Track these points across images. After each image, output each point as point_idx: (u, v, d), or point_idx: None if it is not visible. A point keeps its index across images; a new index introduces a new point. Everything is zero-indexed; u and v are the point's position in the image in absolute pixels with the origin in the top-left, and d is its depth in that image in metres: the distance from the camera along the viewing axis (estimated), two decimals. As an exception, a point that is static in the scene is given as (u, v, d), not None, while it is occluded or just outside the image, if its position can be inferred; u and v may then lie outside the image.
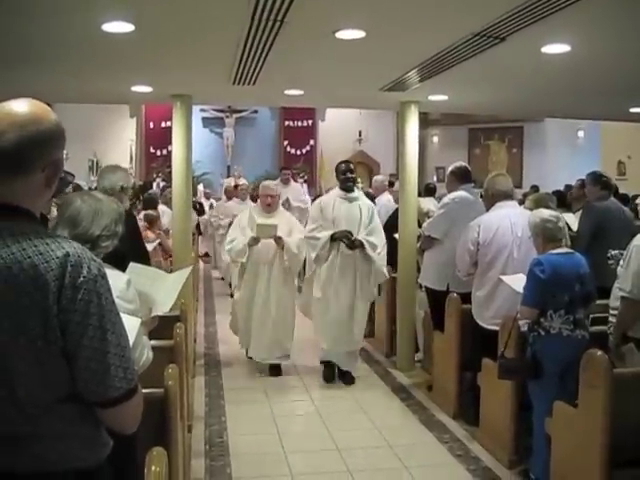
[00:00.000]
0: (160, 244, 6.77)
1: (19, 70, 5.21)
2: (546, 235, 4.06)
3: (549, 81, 5.68)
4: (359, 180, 10.47)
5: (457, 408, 5.29)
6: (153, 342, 2.70)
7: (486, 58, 4.63)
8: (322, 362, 6.26)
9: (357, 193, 6.26)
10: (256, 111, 18.17)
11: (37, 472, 1.59)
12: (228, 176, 16.55)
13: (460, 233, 5.18)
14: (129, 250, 2.93)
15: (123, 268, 2.85)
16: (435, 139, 18.92)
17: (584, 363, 3.51)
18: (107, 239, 2.63)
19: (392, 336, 7.01)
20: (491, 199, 5.08)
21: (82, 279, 1.56)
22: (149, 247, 5.40)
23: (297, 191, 11.29)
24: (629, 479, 3.41)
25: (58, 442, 1.61)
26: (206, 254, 13.10)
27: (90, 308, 1.57)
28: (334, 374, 6.19)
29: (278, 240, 6.12)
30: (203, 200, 14.55)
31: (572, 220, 6.26)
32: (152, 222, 6.93)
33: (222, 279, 11.28)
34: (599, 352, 3.47)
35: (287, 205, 9.67)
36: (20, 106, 1.60)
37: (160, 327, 3.13)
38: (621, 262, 4.05)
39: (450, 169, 5.93)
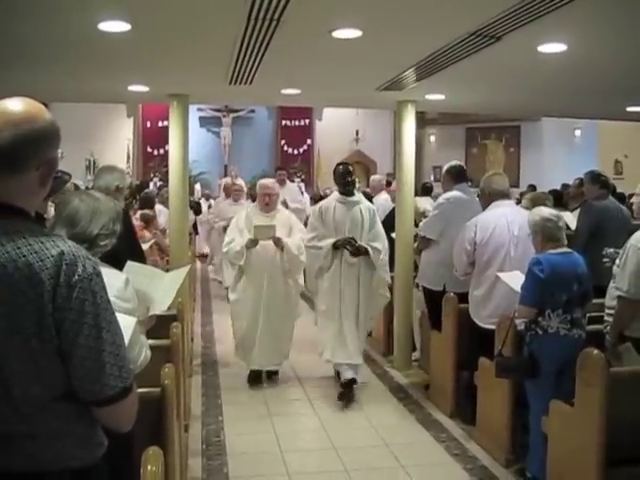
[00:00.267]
0: (156, 243, 6.76)
1: (15, 69, 5.20)
2: (545, 234, 4.06)
3: (546, 80, 5.69)
4: (357, 180, 10.43)
5: (454, 407, 5.29)
6: (150, 341, 2.69)
7: (482, 57, 4.63)
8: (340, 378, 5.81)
9: (357, 196, 5.98)
10: (253, 110, 18.20)
11: (33, 471, 1.59)
12: (225, 176, 16.56)
13: (456, 233, 5.18)
14: (125, 249, 2.92)
15: (119, 267, 2.84)
16: (432, 138, 18.95)
17: (581, 362, 3.51)
18: (105, 238, 2.63)
19: (389, 335, 7.01)
20: (487, 198, 5.08)
21: (77, 278, 1.56)
22: (144, 246, 5.38)
23: (293, 192, 11.10)
24: (625, 477, 3.42)
25: (53, 441, 1.61)
26: (203, 255, 13.09)
27: (85, 307, 1.57)
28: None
29: (277, 241, 5.82)
30: (203, 200, 14.54)
31: (570, 219, 6.26)
32: (149, 221, 6.92)
33: (220, 282, 11.08)
34: (595, 351, 3.47)
35: (285, 207, 9.62)
36: (15, 105, 1.60)
37: (157, 326, 3.12)
38: (617, 261, 4.05)
39: (445, 168, 5.93)
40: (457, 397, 5.30)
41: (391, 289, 6.77)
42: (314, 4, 3.58)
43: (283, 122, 18.66)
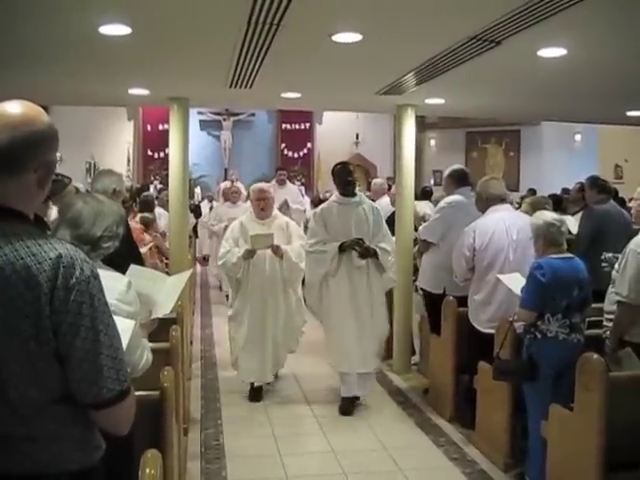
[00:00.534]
0: (156, 246, 6.76)
1: (15, 71, 5.21)
2: (548, 238, 4.05)
3: (546, 85, 5.70)
4: (358, 183, 10.39)
5: (453, 411, 5.29)
6: (149, 344, 2.70)
7: (482, 62, 4.64)
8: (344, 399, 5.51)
9: (359, 196, 5.66)
10: (253, 114, 18.22)
11: (31, 474, 1.59)
12: (225, 179, 16.56)
13: (457, 237, 5.17)
14: (123, 253, 2.93)
15: (120, 271, 2.84)
16: (432, 142, 18.96)
17: (580, 366, 3.51)
18: (108, 240, 2.65)
19: (388, 339, 6.99)
20: (485, 203, 5.07)
21: (74, 280, 1.56)
22: (142, 250, 5.37)
23: (294, 192, 11.05)
24: (624, 482, 3.42)
25: (51, 444, 1.61)
26: (204, 257, 13.06)
27: (82, 309, 1.57)
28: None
29: (276, 250, 5.49)
30: (205, 202, 14.52)
31: (572, 223, 6.26)
32: (148, 224, 6.92)
33: (220, 289, 10.89)
34: (595, 356, 3.47)
35: (285, 207, 9.61)
36: (13, 107, 1.60)
37: (156, 329, 3.13)
38: (616, 266, 4.04)
39: (447, 172, 5.92)
40: (456, 401, 5.29)
41: (389, 292, 6.77)
42: (314, 8, 3.58)
43: (283, 126, 18.67)
